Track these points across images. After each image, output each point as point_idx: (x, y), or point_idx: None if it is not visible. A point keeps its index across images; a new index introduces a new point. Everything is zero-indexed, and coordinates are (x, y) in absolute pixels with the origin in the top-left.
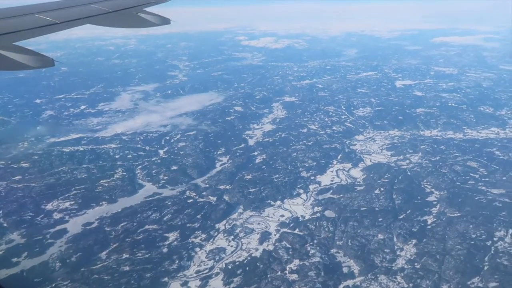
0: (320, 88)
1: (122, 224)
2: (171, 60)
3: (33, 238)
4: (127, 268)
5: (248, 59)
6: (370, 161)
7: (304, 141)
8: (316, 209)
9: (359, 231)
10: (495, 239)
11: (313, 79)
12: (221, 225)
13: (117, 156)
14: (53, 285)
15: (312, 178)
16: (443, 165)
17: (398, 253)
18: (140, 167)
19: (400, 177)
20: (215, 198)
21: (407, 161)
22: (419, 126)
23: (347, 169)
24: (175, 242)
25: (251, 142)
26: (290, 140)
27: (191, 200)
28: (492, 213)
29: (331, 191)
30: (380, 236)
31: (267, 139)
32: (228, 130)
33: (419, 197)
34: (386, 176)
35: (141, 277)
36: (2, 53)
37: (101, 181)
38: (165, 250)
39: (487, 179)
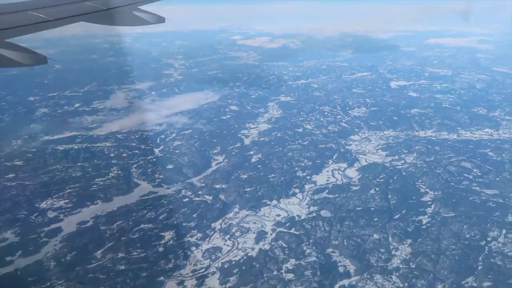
0: (315, 88)
1: (117, 223)
2: (166, 59)
3: (27, 236)
4: (122, 267)
5: (244, 59)
6: (365, 161)
7: (300, 141)
8: (312, 208)
9: (354, 230)
10: (489, 239)
11: (309, 79)
12: (217, 224)
13: (112, 155)
14: (48, 284)
15: (308, 177)
16: (437, 166)
17: (393, 252)
18: (135, 165)
19: (395, 177)
20: (211, 197)
21: (402, 161)
22: (413, 126)
23: (342, 169)
24: (170, 241)
25: (246, 141)
26: (285, 140)
27: (187, 199)
28: (486, 214)
29: (326, 190)
30: (376, 236)
31: (263, 139)
32: (224, 129)
33: (414, 197)
34: (381, 176)
35: (137, 276)
36: None
37: (96, 179)
38: (160, 249)
39: (481, 179)
